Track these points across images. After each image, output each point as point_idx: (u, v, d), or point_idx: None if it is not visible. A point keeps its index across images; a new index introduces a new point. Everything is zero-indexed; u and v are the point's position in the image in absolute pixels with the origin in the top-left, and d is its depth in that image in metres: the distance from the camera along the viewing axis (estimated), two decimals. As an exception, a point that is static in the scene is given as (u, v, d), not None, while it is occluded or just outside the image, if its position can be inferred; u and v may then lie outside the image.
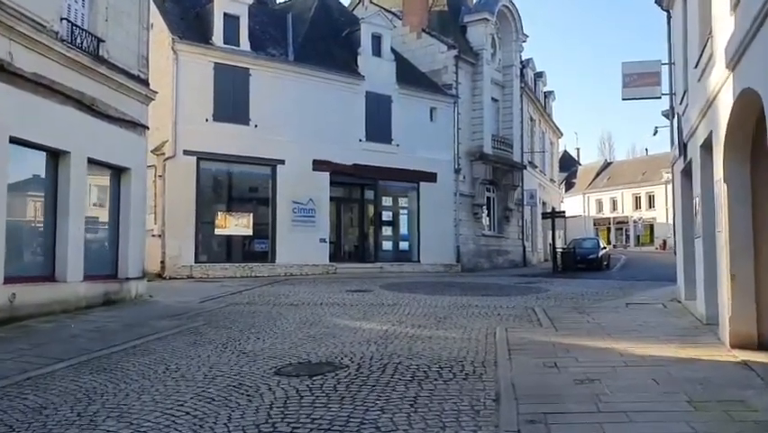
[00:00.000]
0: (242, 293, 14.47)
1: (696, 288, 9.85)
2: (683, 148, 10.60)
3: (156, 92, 13.22)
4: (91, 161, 11.20)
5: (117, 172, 12.22)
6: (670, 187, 62.54)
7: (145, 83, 12.85)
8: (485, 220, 28.45)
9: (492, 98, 28.87)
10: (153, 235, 18.77)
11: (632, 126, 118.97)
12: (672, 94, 12.69)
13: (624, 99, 13.00)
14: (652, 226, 66.90)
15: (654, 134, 15.84)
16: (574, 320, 10.16)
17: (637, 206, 69.19)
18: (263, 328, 9.29)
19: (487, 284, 18.34)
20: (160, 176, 18.87)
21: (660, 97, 12.88)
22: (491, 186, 28.93)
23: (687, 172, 10.72)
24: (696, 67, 9.02)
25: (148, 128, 13.02)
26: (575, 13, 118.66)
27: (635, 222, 68.49)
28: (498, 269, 27.97)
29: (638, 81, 12.81)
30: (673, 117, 12.81)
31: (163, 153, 18.72)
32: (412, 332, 9.00)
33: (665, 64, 12.81)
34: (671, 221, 62.76)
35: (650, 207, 67.54)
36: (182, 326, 9.53)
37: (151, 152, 18.73)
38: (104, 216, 12.09)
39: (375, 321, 10.11)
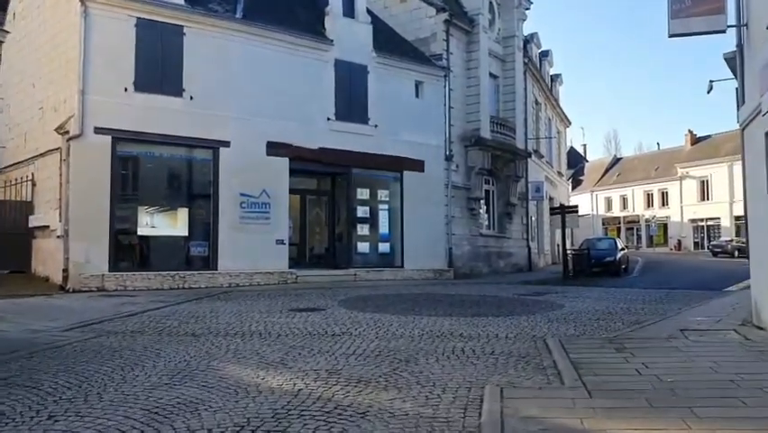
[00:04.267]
0: (144, 315, 10.79)
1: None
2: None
3: (7, 32, 9.52)
4: None
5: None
6: (685, 183, 59.91)
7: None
8: (483, 217, 24.78)
9: (491, 74, 25.22)
10: (58, 237, 15.14)
11: (639, 123, 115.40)
12: (742, 25, 9.01)
13: (672, 35, 9.31)
14: (665, 226, 63.42)
15: (709, 92, 11.91)
16: (614, 367, 6.46)
17: (649, 204, 65.68)
18: (92, 389, 5.60)
19: (482, 297, 14.64)
20: (65, 161, 15.18)
21: (724, 30, 9.18)
22: (490, 177, 25.26)
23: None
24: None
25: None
26: None
27: (647, 221, 64.87)
28: (499, 274, 24.31)
29: (693, 9, 9.12)
30: (742, 61, 9.13)
31: (67, 132, 15.01)
32: (339, 397, 5.33)
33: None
34: (686, 219, 60.29)
35: (663, 205, 64.09)
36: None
37: (55, 130, 15.17)
38: None
39: (292, 369, 6.43)
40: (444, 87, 22.36)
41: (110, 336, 8.55)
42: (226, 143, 17.02)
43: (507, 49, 26.67)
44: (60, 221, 15.09)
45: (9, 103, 19.59)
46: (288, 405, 5.09)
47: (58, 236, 15.22)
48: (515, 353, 7.32)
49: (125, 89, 15.61)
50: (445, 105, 22.31)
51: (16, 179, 18.01)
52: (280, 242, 17.81)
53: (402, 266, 20.66)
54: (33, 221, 16.82)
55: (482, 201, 24.48)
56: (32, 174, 17.37)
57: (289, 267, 18.07)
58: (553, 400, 5.22)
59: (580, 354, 7.11)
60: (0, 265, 17.01)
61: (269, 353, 7.35)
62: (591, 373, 6.07)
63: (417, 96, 21.61)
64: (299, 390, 5.59)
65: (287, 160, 18.05)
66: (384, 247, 20.71)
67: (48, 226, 15.96)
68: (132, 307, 11.78)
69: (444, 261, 21.89)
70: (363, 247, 20.15)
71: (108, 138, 15.38)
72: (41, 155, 16.74)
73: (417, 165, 21.12)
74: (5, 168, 19.38)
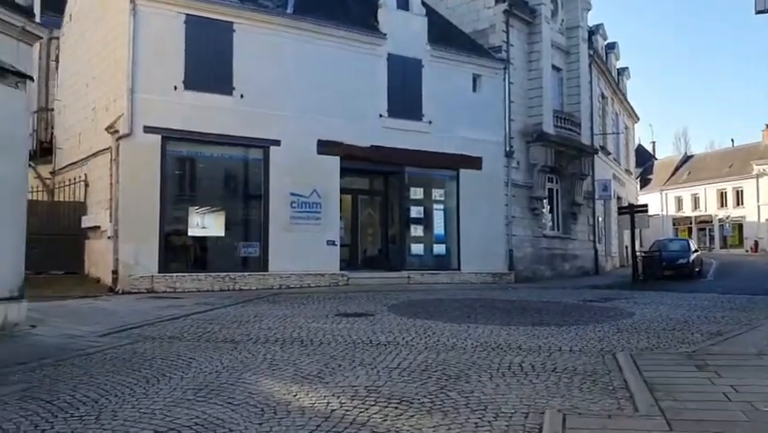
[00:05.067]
0: (187, 319, 10.47)
1: None
2: None
3: (45, 27, 9.34)
4: None
5: (-31, 142, 8.39)
6: (762, 181, 56.27)
7: (25, 11, 8.99)
8: (546, 217, 23.75)
9: (554, 66, 24.14)
10: (108, 238, 15.12)
11: (710, 121, 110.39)
12: None
13: (759, 12, 8.28)
14: (740, 226, 60.19)
15: None
16: (696, 390, 5.63)
17: (723, 203, 62.46)
18: (108, 405, 5.18)
19: (545, 303, 13.76)
20: (114, 160, 15.14)
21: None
22: (554, 174, 24.17)
23: None
24: None
25: (30, 78, 9.13)
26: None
27: (720, 221, 61.70)
28: (563, 278, 23.23)
29: (786, -20, 8.10)
30: None
31: (117, 131, 14.97)
32: (376, 421, 4.72)
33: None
34: (763, 219, 56.82)
35: (738, 205, 60.84)
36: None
37: (105, 129, 15.15)
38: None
39: (329, 385, 5.87)
40: (504, 80, 21.49)
41: (145, 343, 8.21)
42: (276, 142, 16.69)
43: (571, 40, 25.53)
44: (111, 222, 15.07)
45: (65, 104, 19.88)
46: (316, 430, 4.52)
47: (108, 237, 15.20)
48: (580, 369, 6.54)
49: (175, 88, 15.46)
50: (505, 99, 21.44)
51: (70, 180, 18.19)
52: (331, 243, 17.36)
53: (459, 269, 19.90)
54: (86, 222, 16.91)
55: (545, 200, 23.45)
56: (85, 175, 17.48)
57: (341, 269, 17.61)
58: (626, 432, 4.47)
59: (656, 372, 6.29)
60: (55, 266, 17.18)
61: (307, 364, 6.82)
62: (670, 398, 5.26)
63: (475, 90, 20.81)
64: (332, 410, 5.01)
65: (338, 158, 17.60)
66: (439, 249, 20.01)
67: (99, 227, 16.00)
68: (176, 310, 11.51)
69: (504, 263, 21.00)
70: (417, 249, 19.50)
71: (158, 137, 15.26)
72: (93, 155, 16.82)
73: (475, 163, 20.32)
74: (61, 169, 19.65)
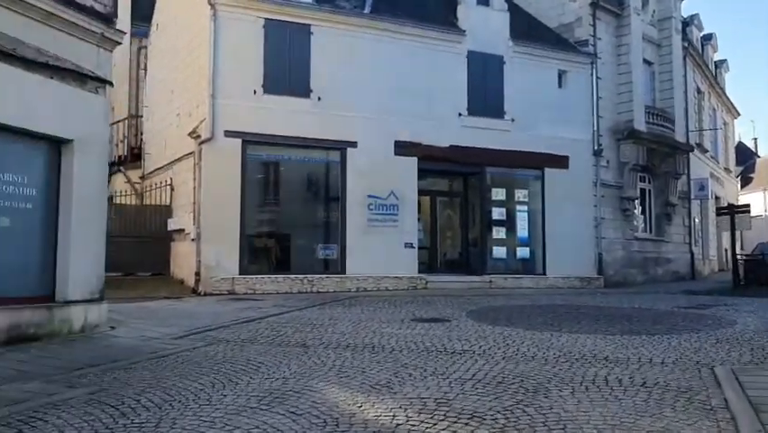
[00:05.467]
0: (262, 321, 10.48)
1: None
2: None
3: (123, 32, 9.57)
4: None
5: (54, 146, 8.65)
6: None
7: (104, 18, 9.23)
8: (638, 219, 22.58)
9: (645, 60, 22.95)
10: (192, 240, 15.48)
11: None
12: None
13: None
14: None
15: None
16: (813, 413, 4.96)
17: (834, 203, 57.58)
18: (170, 411, 5.09)
19: (636, 309, 12.94)
20: (197, 165, 15.48)
21: None
22: (646, 173, 22.95)
23: None
24: None
25: (109, 83, 9.36)
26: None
27: (834, 223, 56.97)
28: (657, 282, 21.99)
29: None
30: None
31: (199, 136, 15.29)
32: (443, 439, 4.40)
33: None
34: None
35: None
36: (32, 401, 5.56)
37: (188, 135, 15.53)
38: (26, 210, 8.45)
39: (396, 395, 5.58)
40: (591, 75, 20.58)
41: (219, 345, 8.20)
42: (353, 144, 16.61)
43: (663, 32, 24.19)
44: (194, 224, 15.41)
45: (153, 111, 20.60)
46: (377, 446, 4.24)
47: (191, 240, 15.55)
48: (672, 385, 5.95)
49: (254, 92, 15.66)
50: (593, 95, 20.52)
51: (157, 184, 18.81)
52: (409, 245, 17.09)
53: (544, 273, 19.16)
54: (171, 225, 17.40)
55: (637, 201, 22.29)
56: (171, 179, 18.01)
57: (419, 272, 17.31)
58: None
59: (762, 390, 5.63)
60: (142, 268, 17.81)
61: (377, 372, 6.55)
62: (781, 422, 4.65)
63: (560, 86, 20.03)
64: (398, 424, 4.71)
65: (415, 159, 17.32)
66: (523, 252, 19.35)
67: (183, 230, 16.41)
68: (253, 312, 11.56)
69: (593, 267, 20.08)
70: (500, 252, 18.91)
71: (238, 141, 15.50)
72: (178, 160, 17.29)
73: (561, 162, 19.53)
74: (149, 173, 20.38)
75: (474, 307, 12.87)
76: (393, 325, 10.06)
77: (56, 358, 7.15)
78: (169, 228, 17.58)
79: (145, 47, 21.99)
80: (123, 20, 23.47)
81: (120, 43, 9.50)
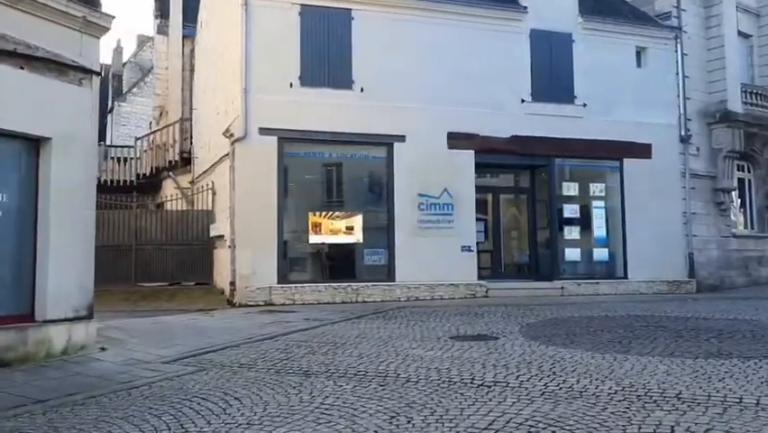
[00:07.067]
0: (279, 339, 9.31)
1: None
2: None
3: (111, 16, 8.60)
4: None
5: (30, 145, 7.78)
6: None
7: (87, 0, 8.30)
8: (736, 213, 20.02)
9: (740, 32, 20.35)
10: (228, 247, 14.57)
11: None
12: None
13: None
14: None
15: None
16: None
17: None
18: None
19: (730, 321, 10.87)
20: (231, 166, 14.56)
21: None
22: (744, 161, 20.36)
23: None
24: None
25: (96, 74, 8.44)
26: None
27: None
28: (760, 286, 19.35)
29: None
30: None
31: (232, 135, 14.36)
32: None
33: None
34: None
35: None
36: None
37: (222, 134, 14.67)
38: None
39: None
40: (676, 51, 18.29)
41: (207, 372, 7.06)
42: (401, 138, 15.24)
43: (763, 1, 21.47)
44: (229, 230, 14.50)
45: (200, 112, 20.01)
46: None
47: (228, 246, 14.65)
48: (771, 445, 4.26)
49: (291, 85, 14.58)
50: (678, 74, 18.24)
51: (202, 188, 18.12)
52: (467, 249, 15.52)
53: (625, 277, 17.10)
54: (213, 231, 16.62)
55: (734, 193, 19.74)
56: (212, 182, 17.26)
57: (480, 278, 15.71)
58: None
59: None
60: (187, 277, 17.14)
61: (370, 415, 5.18)
62: None
63: (639, 65, 17.89)
64: None
65: (472, 153, 15.73)
66: (600, 254, 17.33)
67: (223, 236, 15.55)
68: (275, 327, 10.41)
69: (683, 270, 17.79)
70: (573, 254, 16.98)
71: (274, 139, 14.46)
72: (219, 162, 16.46)
73: (642, 150, 17.40)
74: (198, 177, 19.79)
75: (534, 319, 11.22)
76: (426, 344, 8.63)
77: (4, 391, 6.18)
78: (211, 234, 16.80)
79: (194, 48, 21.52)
80: (174, 22, 23.27)
81: (108, 29, 8.56)
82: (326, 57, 14.98)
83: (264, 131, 14.35)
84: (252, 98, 14.29)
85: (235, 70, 14.67)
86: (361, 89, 15.02)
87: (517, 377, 6.49)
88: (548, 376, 6.52)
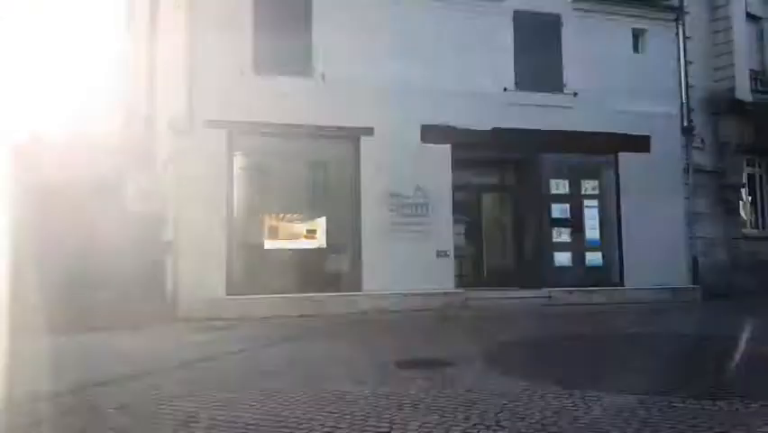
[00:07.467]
0: (193, 367, 7.76)
1: None
2: None
3: None
4: None
5: None
6: None
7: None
8: (745, 212, 18.38)
9: (749, 14, 18.75)
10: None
11: None
12: None
13: None
14: None
15: None
16: None
17: None
18: None
19: (733, 341, 9.17)
20: (173, 162, 13.07)
21: None
22: (754, 155, 18.70)
23: None
24: None
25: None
26: None
27: None
28: (774, 291, 17.67)
29: None
30: None
31: (175, 128, 12.86)
32: None
33: None
34: None
35: None
36: None
37: (168, 127, 13.20)
38: None
39: None
40: (677, 35, 16.70)
41: (59, 419, 5.53)
42: (369, 131, 13.74)
43: (775, -21, 19.88)
44: (172, 235, 13.01)
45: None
46: None
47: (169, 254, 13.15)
48: None
49: (241, 72, 13.11)
50: (680, 59, 16.63)
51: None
52: (443, 254, 13.98)
53: (621, 284, 15.51)
54: (165, 235, 15.10)
55: (743, 190, 18.13)
56: (165, 182, 15.76)
57: (458, 286, 14.18)
58: None
59: None
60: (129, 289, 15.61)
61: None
62: None
63: (636, 50, 16.32)
64: None
65: (448, 147, 14.19)
66: (593, 258, 15.72)
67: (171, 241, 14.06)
68: (203, 349, 8.89)
69: (686, 275, 16.16)
70: (563, 259, 15.39)
71: (223, 132, 13.01)
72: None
73: (639, 143, 15.80)
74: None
75: (507, 337, 9.65)
76: (362, 375, 7.03)
77: None
78: (164, 239, 15.29)
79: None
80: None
81: None
82: (283, 41, 13.49)
83: (211, 123, 12.88)
84: (198, 87, 12.84)
85: (177, 57, 13.17)
86: (322, 76, 13.52)
87: (448, 429, 4.90)
88: (484, 429, 4.93)
